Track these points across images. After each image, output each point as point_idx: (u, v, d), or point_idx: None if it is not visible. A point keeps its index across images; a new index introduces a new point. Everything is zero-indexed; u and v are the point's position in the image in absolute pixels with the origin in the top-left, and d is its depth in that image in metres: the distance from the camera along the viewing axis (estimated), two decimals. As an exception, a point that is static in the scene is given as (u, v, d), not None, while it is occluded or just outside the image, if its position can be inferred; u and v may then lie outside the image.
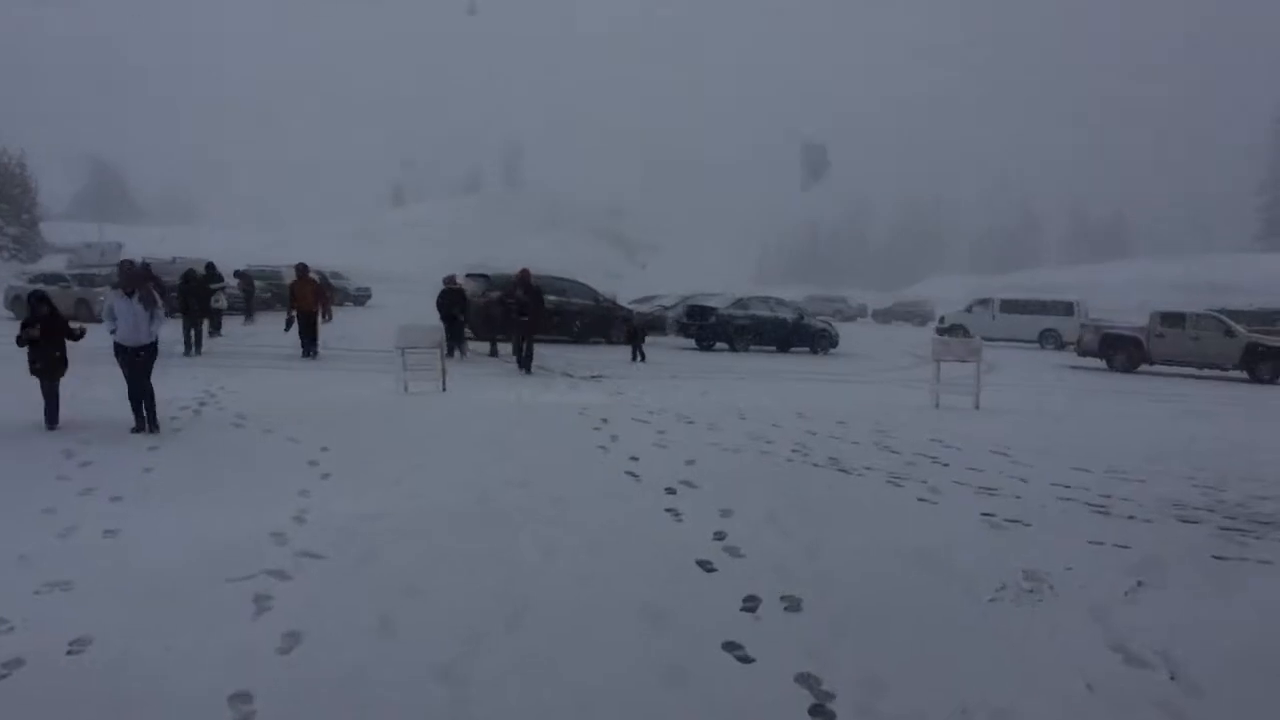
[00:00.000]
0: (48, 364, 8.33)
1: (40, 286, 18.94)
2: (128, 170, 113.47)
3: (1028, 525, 5.95)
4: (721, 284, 39.77)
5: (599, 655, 3.91)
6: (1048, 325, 30.10)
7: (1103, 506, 6.58)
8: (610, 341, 21.05)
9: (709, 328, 21.87)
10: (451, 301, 16.83)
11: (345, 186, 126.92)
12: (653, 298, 31.02)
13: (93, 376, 9.31)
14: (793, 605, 4.48)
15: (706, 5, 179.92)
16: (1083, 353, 22.01)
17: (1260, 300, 35.91)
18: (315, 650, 3.85)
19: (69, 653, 3.76)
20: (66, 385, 8.52)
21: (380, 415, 9.54)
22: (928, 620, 4.37)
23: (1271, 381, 19.68)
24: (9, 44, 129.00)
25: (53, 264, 43.24)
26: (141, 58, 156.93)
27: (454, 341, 15.95)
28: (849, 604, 4.54)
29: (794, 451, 8.36)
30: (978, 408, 12.08)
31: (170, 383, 9.99)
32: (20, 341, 8.37)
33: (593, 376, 14.50)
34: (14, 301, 22.39)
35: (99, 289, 22.60)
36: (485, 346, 17.79)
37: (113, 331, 8.43)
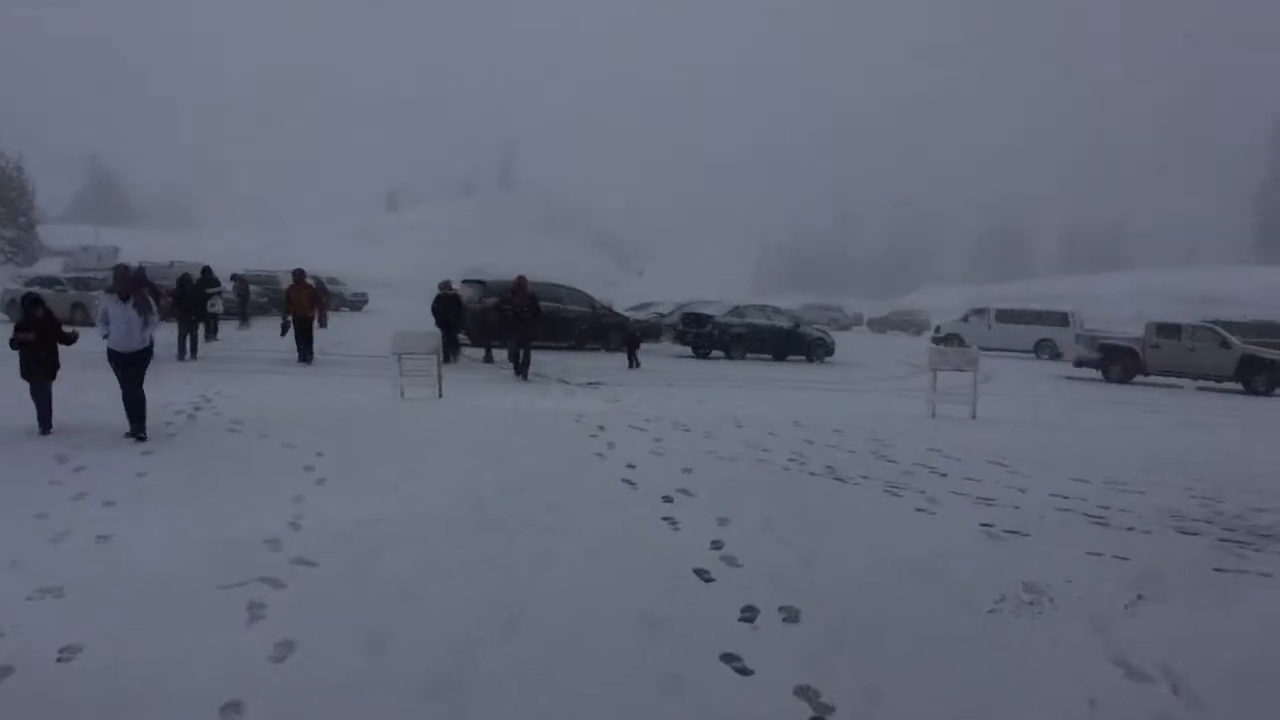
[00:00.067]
0: (35, 366, 8.22)
1: (35, 289, 18.95)
2: (127, 171, 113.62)
3: (1026, 536, 5.93)
4: (718, 291, 39.84)
5: (595, 663, 3.87)
6: (1044, 335, 30.16)
7: (1101, 518, 6.55)
8: (607, 348, 21.05)
9: (705, 335, 21.86)
10: (447, 307, 16.85)
11: (345, 187, 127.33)
12: (649, 305, 31.05)
13: (86, 381, 9.24)
14: (791, 616, 4.45)
15: (706, 5, 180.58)
16: (1078, 364, 22.06)
17: (1255, 312, 35.97)
18: (309, 659, 3.81)
19: (59, 660, 3.72)
20: (59, 390, 8.46)
21: (376, 421, 9.49)
22: (927, 632, 4.33)
23: (1267, 393, 19.72)
24: (9, 44, 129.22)
25: (49, 267, 43.02)
26: (141, 58, 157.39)
27: (449, 348, 15.94)
28: (847, 615, 4.51)
29: (791, 460, 8.33)
30: (974, 417, 12.07)
31: (165, 387, 9.94)
32: (14, 344, 8.30)
33: (589, 383, 14.47)
34: (10, 305, 22.31)
35: (94, 292, 22.57)
36: (479, 352, 17.78)
37: (105, 336, 8.36)
